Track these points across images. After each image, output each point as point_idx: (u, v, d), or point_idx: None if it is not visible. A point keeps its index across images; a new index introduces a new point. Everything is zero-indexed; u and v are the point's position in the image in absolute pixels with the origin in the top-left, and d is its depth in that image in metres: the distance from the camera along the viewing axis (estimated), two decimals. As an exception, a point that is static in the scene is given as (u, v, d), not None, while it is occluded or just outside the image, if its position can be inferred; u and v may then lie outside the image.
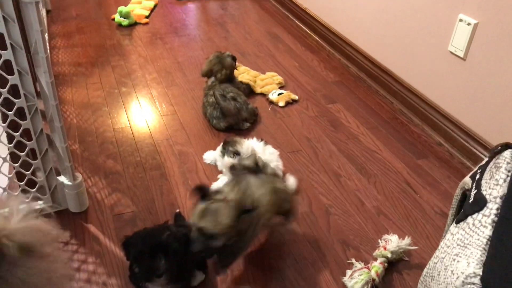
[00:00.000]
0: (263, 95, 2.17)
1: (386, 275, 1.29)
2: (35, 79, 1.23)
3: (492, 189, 0.97)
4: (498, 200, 0.94)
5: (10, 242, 0.77)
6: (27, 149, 1.28)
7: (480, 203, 0.98)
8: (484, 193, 0.98)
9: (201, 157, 1.73)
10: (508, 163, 0.98)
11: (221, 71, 1.98)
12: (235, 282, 1.27)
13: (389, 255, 1.31)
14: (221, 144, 1.59)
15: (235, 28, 2.86)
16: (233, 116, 1.87)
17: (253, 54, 2.54)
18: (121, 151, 1.75)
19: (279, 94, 2.12)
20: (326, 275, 1.30)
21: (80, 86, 2.17)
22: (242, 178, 1.21)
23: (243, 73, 2.25)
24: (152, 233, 1.13)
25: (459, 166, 1.76)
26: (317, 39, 2.73)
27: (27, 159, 1.30)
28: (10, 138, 1.27)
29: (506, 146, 1.03)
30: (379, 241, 1.39)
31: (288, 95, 2.12)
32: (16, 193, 1.32)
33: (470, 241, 0.95)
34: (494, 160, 1.04)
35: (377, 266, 1.28)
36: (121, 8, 2.80)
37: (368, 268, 1.27)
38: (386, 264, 1.30)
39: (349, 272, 1.28)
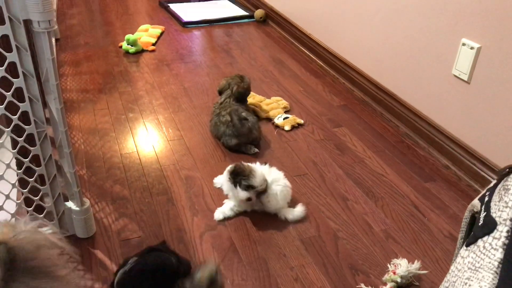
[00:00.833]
0: (269, 119, 2.18)
1: (396, 300, 1.27)
2: (44, 105, 1.25)
3: (502, 211, 0.96)
4: (508, 222, 0.93)
5: (19, 244, 0.78)
6: (35, 174, 1.29)
7: (490, 225, 0.97)
8: (494, 215, 0.98)
9: (207, 182, 1.74)
10: (516, 185, 0.97)
11: (240, 84, 2.06)
12: (243, 308, 1.25)
13: (398, 280, 1.29)
14: (227, 169, 1.59)
15: (240, 54, 2.91)
16: (245, 136, 1.90)
17: (258, 79, 2.58)
18: (128, 176, 1.76)
19: (284, 118, 2.13)
20: (335, 300, 1.28)
21: (87, 112, 2.20)
22: None
23: (249, 98, 2.27)
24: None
25: (466, 189, 1.75)
26: (321, 64, 2.76)
27: (36, 184, 1.30)
28: (19, 164, 1.29)
29: (514, 168, 1.02)
30: (388, 265, 1.37)
31: (293, 119, 2.13)
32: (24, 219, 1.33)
33: (481, 264, 0.94)
34: (502, 182, 1.03)
35: (387, 291, 1.26)
36: (128, 36, 2.86)
37: (377, 293, 1.26)
38: (396, 289, 1.28)
39: (358, 297, 1.27)
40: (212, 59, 2.84)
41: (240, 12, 3.62)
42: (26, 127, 1.21)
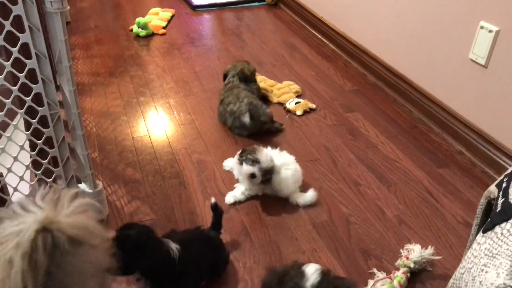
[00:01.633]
0: (280, 104, 2.16)
1: (409, 285, 1.27)
2: (57, 88, 1.24)
3: (521, 197, 0.94)
4: (528, 208, 0.92)
5: (61, 234, 0.77)
6: (49, 156, 1.29)
7: (508, 212, 0.96)
8: (512, 201, 0.96)
9: (219, 166, 1.73)
10: (537, 170, 0.95)
11: (245, 66, 2.08)
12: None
13: (411, 265, 1.28)
14: (238, 153, 1.59)
15: (251, 38, 2.88)
16: (253, 125, 1.88)
17: (269, 63, 2.55)
18: (140, 160, 1.76)
19: (296, 103, 2.11)
20: (347, 285, 1.28)
21: (99, 95, 2.20)
22: None
23: (260, 82, 2.25)
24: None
25: (481, 175, 1.73)
26: (334, 48, 2.72)
27: (49, 166, 1.31)
28: (32, 146, 1.29)
29: (533, 154, 1.00)
30: (401, 250, 1.36)
31: (305, 104, 2.11)
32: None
33: (499, 251, 0.92)
34: (521, 167, 1.01)
35: (399, 276, 1.25)
36: (139, 19, 2.84)
37: (390, 278, 1.25)
38: (408, 274, 1.27)
39: (371, 282, 1.26)
40: (223, 42, 2.81)
41: (251, -5, 3.57)
42: (39, 108, 1.21)
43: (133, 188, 1.61)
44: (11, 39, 1.10)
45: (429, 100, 2.01)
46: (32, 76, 1.17)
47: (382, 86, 2.31)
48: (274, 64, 2.54)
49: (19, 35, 1.10)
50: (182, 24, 3.08)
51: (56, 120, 1.25)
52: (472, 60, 1.75)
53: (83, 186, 1.41)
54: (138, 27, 2.84)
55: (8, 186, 1.25)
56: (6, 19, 1.06)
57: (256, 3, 3.46)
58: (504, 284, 0.85)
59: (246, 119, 1.85)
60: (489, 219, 1.02)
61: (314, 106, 2.13)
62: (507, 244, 0.91)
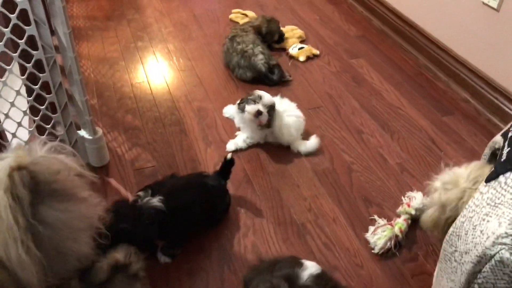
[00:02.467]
0: (283, 49, 2.10)
1: (410, 232, 1.28)
2: (52, 33, 1.19)
3: (528, 146, 0.92)
4: (534, 157, 0.90)
5: (39, 168, 0.80)
6: (46, 102, 1.26)
7: (514, 161, 0.94)
8: (519, 150, 0.94)
9: (220, 113, 1.71)
10: (547, 119, 0.93)
11: (265, 24, 2.04)
12: (256, 236, 1.27)
13: (412, 212, 1.29)
14: (237, 102, 1.55)
15: (253, -21, 2.75)
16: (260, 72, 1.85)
17: (272, 6, 2.45)
18: (139, 107, 1.73)
19: (299, 49, 2.05)
20: (348, 231, 1.29)
21: (96, 40, 2.13)
22: None
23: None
24: None
25: (486, 123, 1.70)
26: (339, -10, 2.61)
27: (47, 112, 1.28)
28: (29, 91, 1.26)
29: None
30: (403, 198, 1.37)
31: (309, 49, 2.05)
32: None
33: (502, 201, 0.92)
34: (530, 116, 0.99)
35: (400, 223, 1.26)
36: (135, -41, 2.70)
37: (391, 224, 1.26)
38: (409, 221, 1.29)
39: (371, 228, 1.27)
40: (223, -16, 2.69)
41: None
42: (33, 52, 1.16)
43: (133, 135, 1.60)
44: (0, -23, 1.04)
45: (436, 46, 1.95)
46: (24, 17, 1.11)
47: (388, 31, 2.23)
48: (276, 8, 2.45)
49: (8, -27, 1.04)
50: (181, -36, 2.93)
51: (52, 65, 1.21)
52: (484, 3, 1.67)
53: (82, 132, 1.39)
54: (135, -33, 2.71)
55: (6, 132, 1.23)
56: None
57: None
58: (506, 233, 0.85)
59: (260, 61, 1.83)
60: (493, 169, 1.01)
61: (317, 52, 2.07)
62: (511, 194, 0.90)
